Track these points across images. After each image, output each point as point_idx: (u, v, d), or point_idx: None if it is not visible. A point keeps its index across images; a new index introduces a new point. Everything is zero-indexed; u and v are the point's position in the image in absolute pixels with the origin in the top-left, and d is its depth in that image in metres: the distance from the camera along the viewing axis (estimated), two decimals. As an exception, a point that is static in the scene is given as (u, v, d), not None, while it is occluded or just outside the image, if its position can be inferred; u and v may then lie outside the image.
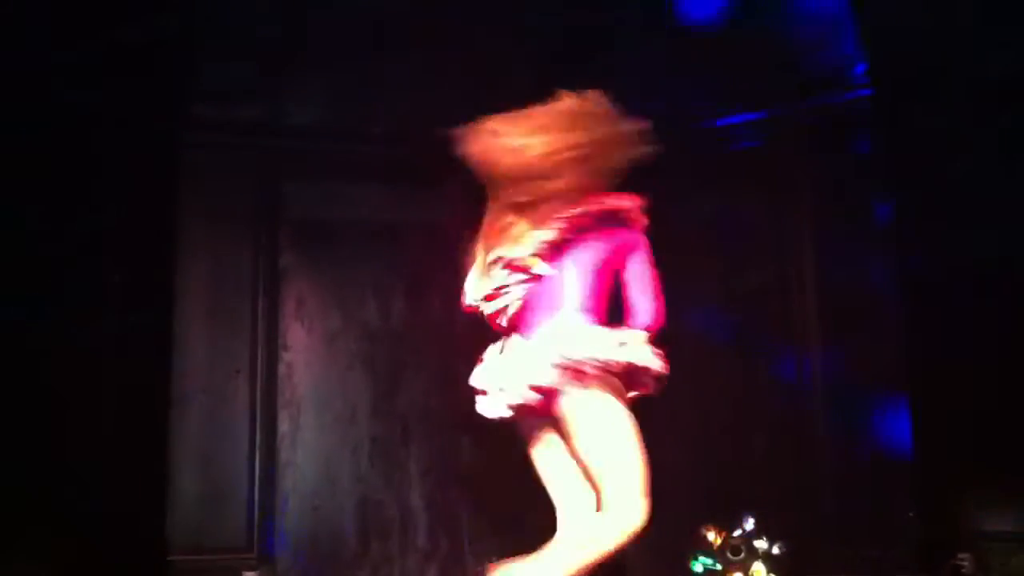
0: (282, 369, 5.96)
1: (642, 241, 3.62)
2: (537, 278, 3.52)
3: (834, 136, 5.98)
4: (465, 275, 3.77)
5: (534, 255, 3.47)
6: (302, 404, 5.97)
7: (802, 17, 5.95)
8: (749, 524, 5.58)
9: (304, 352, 6.01)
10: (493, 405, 3.55)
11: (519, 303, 3.59)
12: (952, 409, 5.62)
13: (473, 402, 3.49)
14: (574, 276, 3.51)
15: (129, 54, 5.02)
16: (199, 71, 5.66)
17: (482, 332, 5.82)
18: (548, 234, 3.47)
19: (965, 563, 5.38)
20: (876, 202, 5.93)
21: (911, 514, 5.71)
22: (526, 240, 3.49)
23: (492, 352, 3.66)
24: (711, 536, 5.60)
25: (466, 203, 5.98)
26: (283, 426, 5.92)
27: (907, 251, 5.79)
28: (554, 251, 3.51)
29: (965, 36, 5.39)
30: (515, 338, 3.59)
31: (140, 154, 5.31)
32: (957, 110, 5.50)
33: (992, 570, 5.28)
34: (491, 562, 3.57)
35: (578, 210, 3.48)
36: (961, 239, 5.57)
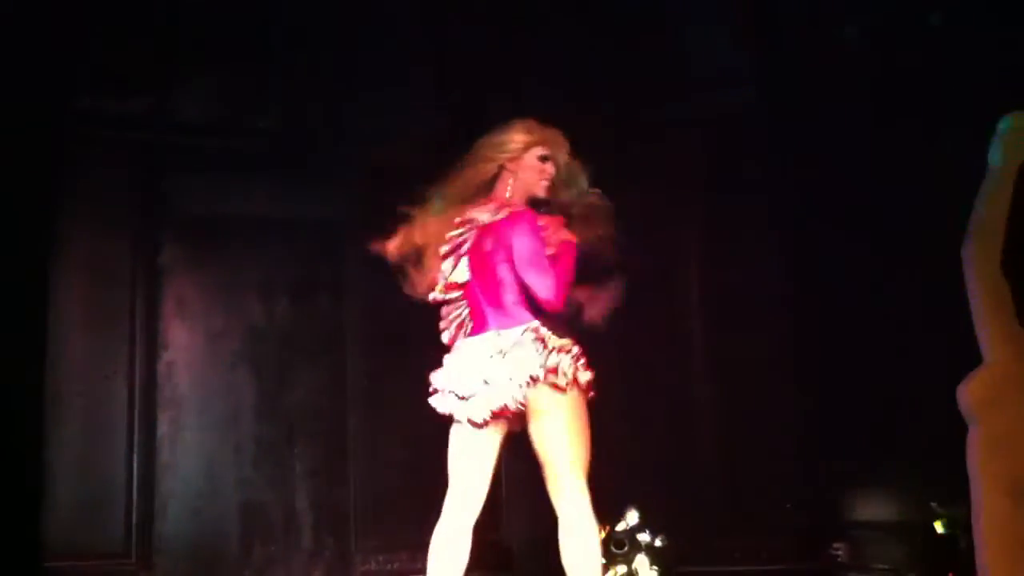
0: (162, 369, 5.83)
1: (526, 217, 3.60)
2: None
3: (726, 132, 6.09)
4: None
5: None
6: (183, 405, 5.85)
7: (695, 17, 6.06)
8: (632, 518, 5.65)
9: (185, 351, 5.90)
10: (474, 409, 3.44)
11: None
12: (829, 403, 5.78)
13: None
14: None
15: (6, 42, 4.87)
16: (79, 61, 5.52)
17: (372, 330, 5.78)
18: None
19: (840, 552, 5.53)
20: (766, 197, 6.06)
21: (788, 505, 5.85)
22: None
23: (463, 354, 3.54)
24: (595, 530, 5.65)
25: (353, 199, 5.97)
26: (163, 427, 5.79)
27: (796, 246, 5.95)
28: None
29: (854, 36, 5.57)
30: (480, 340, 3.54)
31: (13, 145, 5.15)
32: (846, 109, 5.68)
33: (866, 558, 5.43)
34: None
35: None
36: (849, 235, 5.74)
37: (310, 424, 5.97)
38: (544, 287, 3.40)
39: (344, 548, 5.88)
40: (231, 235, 5.98)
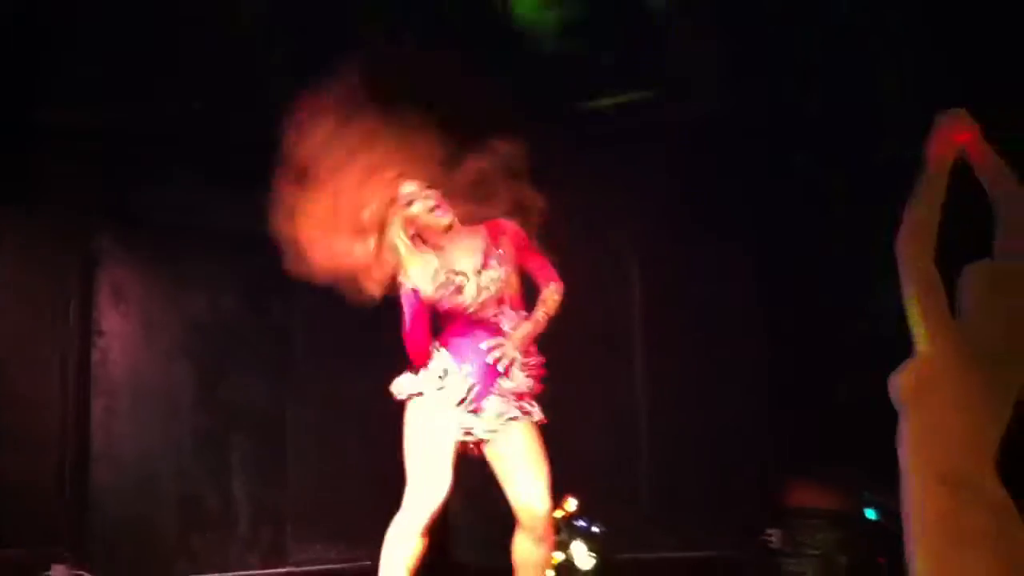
0: (96, 355, 5.74)
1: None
2: None
3: (686, 141, 6.13)
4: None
5: None
6: (118, 392, 5.76)
7: (657, 30, 6.09)
8: (570, 505, 5.68)
9: (121, 339, 5.81)
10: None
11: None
12: (762, 392, 5.86)
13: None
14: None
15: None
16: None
17: (314, 324, 5.72)
18: None
19: (773, 539, 5.61)
20: (711, 201, 6.12)
21: (728, 490, 5.93)
22: None
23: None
24: (533, 517, 5.66)
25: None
26: (97, 414, 5.70)
27: (746, 248, 6.02)
28: None
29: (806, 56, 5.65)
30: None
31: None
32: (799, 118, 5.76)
33: (799, 545, 5.50)
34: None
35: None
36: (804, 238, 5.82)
37: (248, 416, 5.92)
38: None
39: (280, 537, 5.85)
40: (176, 232, 5.90)
